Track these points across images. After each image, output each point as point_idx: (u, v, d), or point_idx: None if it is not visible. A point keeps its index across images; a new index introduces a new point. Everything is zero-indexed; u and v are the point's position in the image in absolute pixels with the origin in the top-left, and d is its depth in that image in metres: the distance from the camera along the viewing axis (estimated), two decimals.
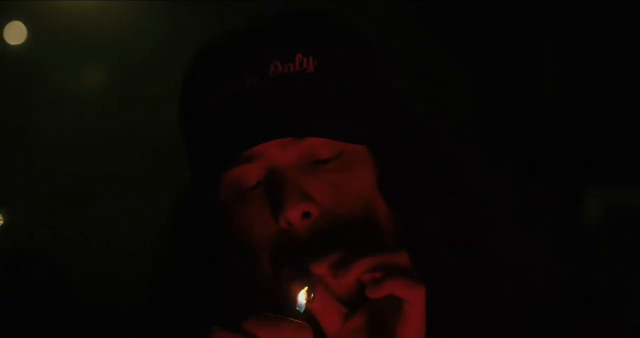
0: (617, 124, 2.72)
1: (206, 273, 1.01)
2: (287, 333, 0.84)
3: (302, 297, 0.90)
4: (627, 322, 1.03)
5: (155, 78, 2.72)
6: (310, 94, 0.98)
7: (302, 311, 0.89)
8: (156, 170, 2.56)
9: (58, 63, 2.81)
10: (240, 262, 0.98)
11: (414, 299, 0.86)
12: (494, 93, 2.75)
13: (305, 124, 0.96)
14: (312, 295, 0.91)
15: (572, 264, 2.46)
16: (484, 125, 2.67)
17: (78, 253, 2.70)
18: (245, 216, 0.98)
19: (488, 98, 2.73)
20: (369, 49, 1.04)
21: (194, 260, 1.03)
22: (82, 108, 2.82)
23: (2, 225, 2.76)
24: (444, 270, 0.95)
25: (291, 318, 0.86)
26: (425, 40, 2.65)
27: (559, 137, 2.79)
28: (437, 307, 0.89)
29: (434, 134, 1.04)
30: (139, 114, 2.77)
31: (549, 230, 2.59)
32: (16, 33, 2.81)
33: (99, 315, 2.52)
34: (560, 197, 2.74)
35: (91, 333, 2.53)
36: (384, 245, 0.95)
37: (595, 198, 2.72)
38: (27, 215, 2.76)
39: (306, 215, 0.95)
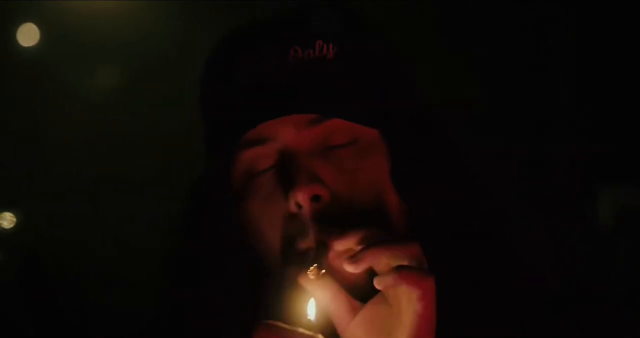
0: (631, 122, 2.71)
1: (217, 260, 1.02)
2: None
3: (310, 275, 0.91)
4: (638, 320, 1.03)
5: (167, 79, 2.72)
6: (328, 78, 0.99)
7: (313, 320, 0.89)
8: (167, 171, 2.57)
9: (70, 65, 2.82)
10: (250, 244, 0.98)
11: (423, 291, 0.86)
12: (507, 90, 2.74)
13: (321, 103, 0.97)
14: (322, 270, 0.91)
15: (583, 263, 2.46)
16: (496, 123, 2.66)
17: (90, 253, 2.71)
18: (257, 198, 0.99)
19: (500, 95, 2.72)
20: (385, 41, 1.05)
21: (206, 246, 1.03)
22: (93, 109, 2.82)
23: (14, 225, 2.77)
24: (453, 263, 0.95)
25: (303, 330, 0.86)
26: (434, 37, 2.64)
27: (572, 136, 2.78)
28: (446, 300, 0.88)
29: (448, 127, 1.05)
30: (150, 115, 2.78)
31: (561, 228, 2.58)
32: (28, 35, 2.82)
33: (111, 313, 2.52)
34: (573, 195, 2.73)
35: (103, 332, 2.54)
36: (393, 234, 0.95)
37: (608, 198, 2.71)
38: (38, 215, 2.77)
39: (316, 198, 0.95)
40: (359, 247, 0.90)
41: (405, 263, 0.87)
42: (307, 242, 0.94)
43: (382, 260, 0.88)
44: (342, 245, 0.91)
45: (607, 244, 2.64)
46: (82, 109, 2.80)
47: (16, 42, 2.81)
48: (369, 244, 0.89)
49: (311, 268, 0.91)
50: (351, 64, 1.01)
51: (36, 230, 2.76)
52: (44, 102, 2.83)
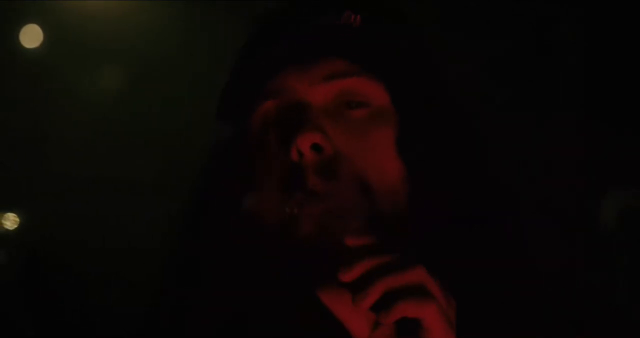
0: (636, 123, 2.71)
1: (217, 259, 1.02)
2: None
3: (287, 209, 0.93)
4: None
5: (167, 79, 2.73)
6: (351, 39, 1.03)
7: None
8: (167, 171, 2.57)
9: (73, 66, 2.83)
10: (251, 193, 1.00)
11: (426, 316, 0.87)
12: (510, 89, 2.74)
13: (339, 51, 1.01)
14: (294, 209, 0.93)
15: (588, 265, 2.46)
16: (499, 123, 2.66)
17: (90, 253, 2.71)
18: (266, 147, 1.01)
19: (503, 94, 2.72)
20: (411, 21, 1.08)
21: (206, 246, 1.04)
22: (96, 109, 2.83)
23: (17, 226, 2.78)
24: (450, 240, 0.96)
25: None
26: (435, 35, 2.64)
27: (578, 138, 2.78)
28: (443, 278, 0.89)
29: (464, 109, 1.07)
30: (150, 115, 2.79)
31: (564, 229, 2.59)
32: (32, 36, 2.83)
33: (111, 313, 2.53)
34: (577, 196, 2.73)
35: (103, 332, 2.54)
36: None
37: (611, 199, 2.72)
38: (41, 216, 2.78)
39: (316, 147, 0.97)
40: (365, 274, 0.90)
41: (409, 289, 0.88)
42: (302, 193, 0.96)
43: (386, 291, 0.89)
44: (349, 277, 0.91)
45: (610, 245, 2.64)
46: (85, 109, 2.81)
47: (19, 43, 2.82)
48: (373, 276, 0.89)
49: (290, 206, 0.94)
50: (376, 32, 1.04)
51: (38, 230, 2.77)
52: (47, 102, 2.84)
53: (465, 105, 1.07)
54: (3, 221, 2.77)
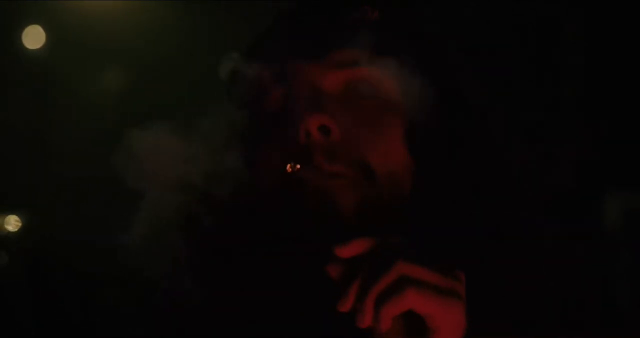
0: (637, 125, 2.71)
1: (218, 259, 1.03)
2: None
3: (288, 168, 0.95)
4: None
5: (172, 81, 2.73)
6: (367, 30, 1.05)
7: None
8: None
9: (74, 66, 2.83)
10: (257, 171, 1.02)
11: (413, 305, 0.87)
12: (511, 90, 2.74)
13: (353, 40, 1.04)
14: (297, 166, 0.96)
15: (588, 265, 2.45)
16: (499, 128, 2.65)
17: (95, 255, 2.71)
18: (276, 130, 1.02)
19: (505, 95, 2.72)
20: (426, 19, 1.10)
21: (207, 246, 1.05)
22: (99, 111, 2.83)
23: (20, 228, 2.78)
24: (449, 238, 0.97)
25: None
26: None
27: (578, 138, 2.78)
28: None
29: (472, 107, 1.08)
30: (156, 118, 2.78)
31: (566, 229, 2.58)
32: (34, 37, 2.83)
33: (111, 313, 2.53)
34: (580, 199, 2.73)
35: (104, 332, 2.54)
36: (394, 193, 0.97)
37: (613, 201, 2.71)
38: (41, 217, 2.78)
39: (324, 129, 0.98)
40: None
41: (391, 289, 0.88)
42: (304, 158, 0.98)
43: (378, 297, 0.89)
44: (347, 306, 0.91)
45: (610, 245, 2.64)
46: (85, 109, 2.81)
47: (22, 44, 2.82)
48: (363, 294, 0.89)
49: (292, 165, 0.96)
50: (391, 28, 1.07)
51: (40, 232, 2.77)
52: (49, 104, 2.84)
53: (473, 103, 1.08)
54: (5, 225, 2.77)
